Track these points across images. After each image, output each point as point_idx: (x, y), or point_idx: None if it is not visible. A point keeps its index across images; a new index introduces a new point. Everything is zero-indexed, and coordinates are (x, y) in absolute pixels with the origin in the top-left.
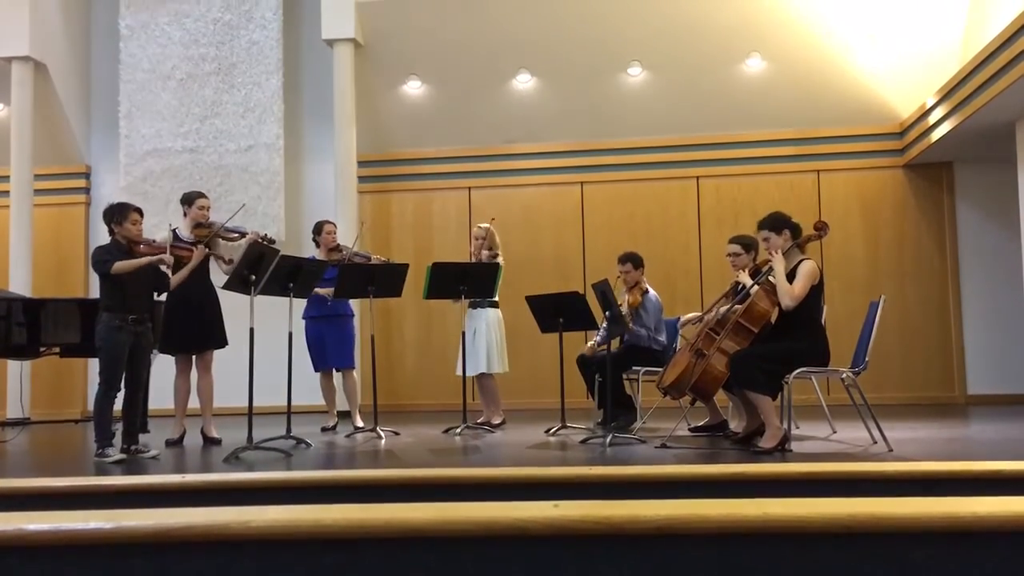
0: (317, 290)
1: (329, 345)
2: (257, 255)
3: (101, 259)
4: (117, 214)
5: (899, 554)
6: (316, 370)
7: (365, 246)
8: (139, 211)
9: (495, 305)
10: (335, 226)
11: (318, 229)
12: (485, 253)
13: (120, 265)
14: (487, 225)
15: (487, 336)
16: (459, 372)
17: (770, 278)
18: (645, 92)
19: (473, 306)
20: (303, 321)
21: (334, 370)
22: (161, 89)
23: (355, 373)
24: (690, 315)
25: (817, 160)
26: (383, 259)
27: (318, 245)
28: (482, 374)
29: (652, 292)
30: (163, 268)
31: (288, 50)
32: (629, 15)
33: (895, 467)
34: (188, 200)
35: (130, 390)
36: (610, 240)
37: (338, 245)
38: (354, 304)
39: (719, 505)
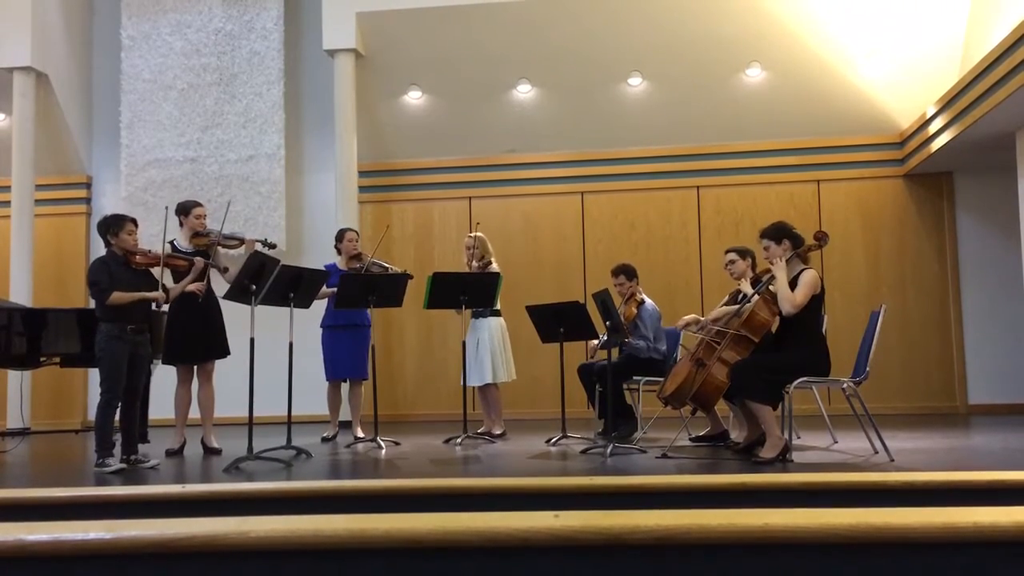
0: (324, 289)
1: (345, 355)
2: (258, 265)
3: (99, 284)
4: (113, 225)
5: (900, 564)
6: (328, 379)
7: (374, 255)
8: (134, 222)
9: (497, 314)
10: (357, 234)
11: (340, 236)
12: (475, 264)
13: (117, 297)
14: (477, 234)
15: (491, 345)
16: (470, 382)
17: (770, 287)
18: (645, 102)
19: (476, 315)
20: (320, 330)
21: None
22: (162, 99)
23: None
24: (689, 316)
25: (817, 170)
26: (401, 270)
27: (339, 252)
28: (486, 384)
29: (649, 302)
30: (163, 281)
31: (289, 60)
32: (629, 25)
33: (896, 477)
34: (184, 210)
35: (127, 400)
36: (610, 250)
37: (359, 253)
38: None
39: (720, 515)
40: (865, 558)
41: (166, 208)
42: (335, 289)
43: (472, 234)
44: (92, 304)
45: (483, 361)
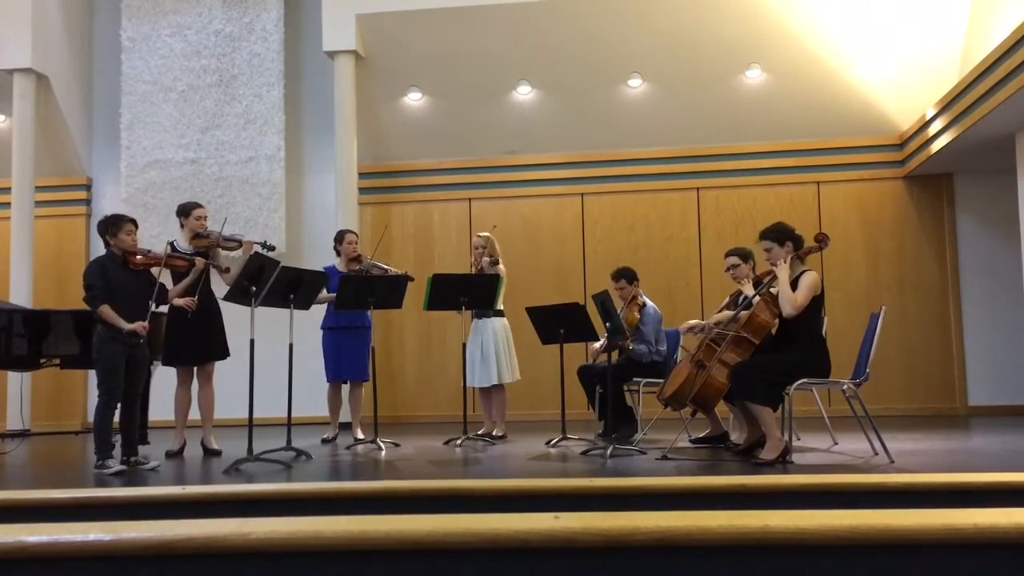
0: (323, 295)
1: (346, 356)
2: (257, 266)
3: (93, 290)
4: (111, 226)
5: (900, 566)
6: (329, 380)
7: (373, 256)
8: (133, 222)
9: (500, 314)
10: (357, 236)
11: (340, 238)
12: (486, 260)
13: (105, 311)
14: (487, 233)
15: (496, 346)
16: (472, 383)
17: (771, 289)
18: (645, 103)
19: (479, 316)
20: (321, 331)
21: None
22: (162, 101)
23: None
24: (692, 322)
25: (817, 171)
26: (401, 272)
27: (339, 254)
28: (494, 385)
29: (650, 304)
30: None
31: (289, 62)
32: (629, 26)
33: (896, 479)
34: (184, 211)
35: (127, 401)
36: (610, 251)
37: (359, 255)
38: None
39: (720, 517)
40: (865, 559)
41: (168, 242)
42: (335, 295)
43: (481, 233)
44: None
45: (489, 361)
